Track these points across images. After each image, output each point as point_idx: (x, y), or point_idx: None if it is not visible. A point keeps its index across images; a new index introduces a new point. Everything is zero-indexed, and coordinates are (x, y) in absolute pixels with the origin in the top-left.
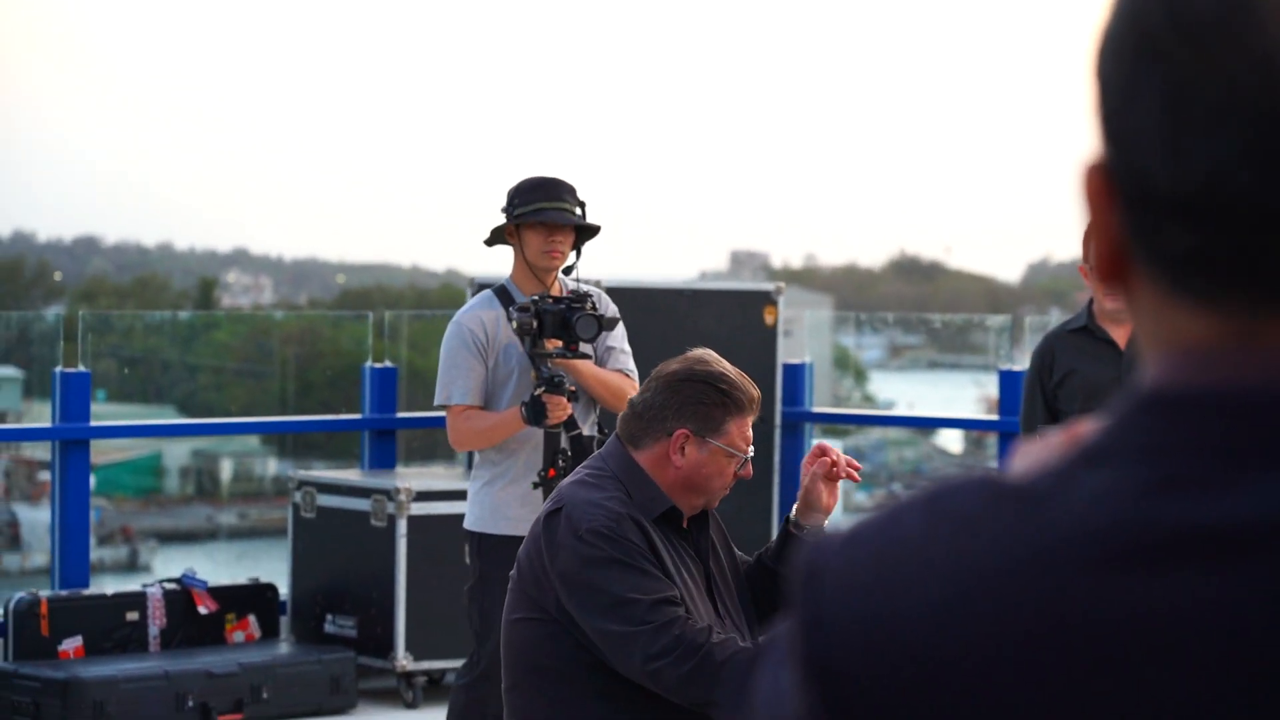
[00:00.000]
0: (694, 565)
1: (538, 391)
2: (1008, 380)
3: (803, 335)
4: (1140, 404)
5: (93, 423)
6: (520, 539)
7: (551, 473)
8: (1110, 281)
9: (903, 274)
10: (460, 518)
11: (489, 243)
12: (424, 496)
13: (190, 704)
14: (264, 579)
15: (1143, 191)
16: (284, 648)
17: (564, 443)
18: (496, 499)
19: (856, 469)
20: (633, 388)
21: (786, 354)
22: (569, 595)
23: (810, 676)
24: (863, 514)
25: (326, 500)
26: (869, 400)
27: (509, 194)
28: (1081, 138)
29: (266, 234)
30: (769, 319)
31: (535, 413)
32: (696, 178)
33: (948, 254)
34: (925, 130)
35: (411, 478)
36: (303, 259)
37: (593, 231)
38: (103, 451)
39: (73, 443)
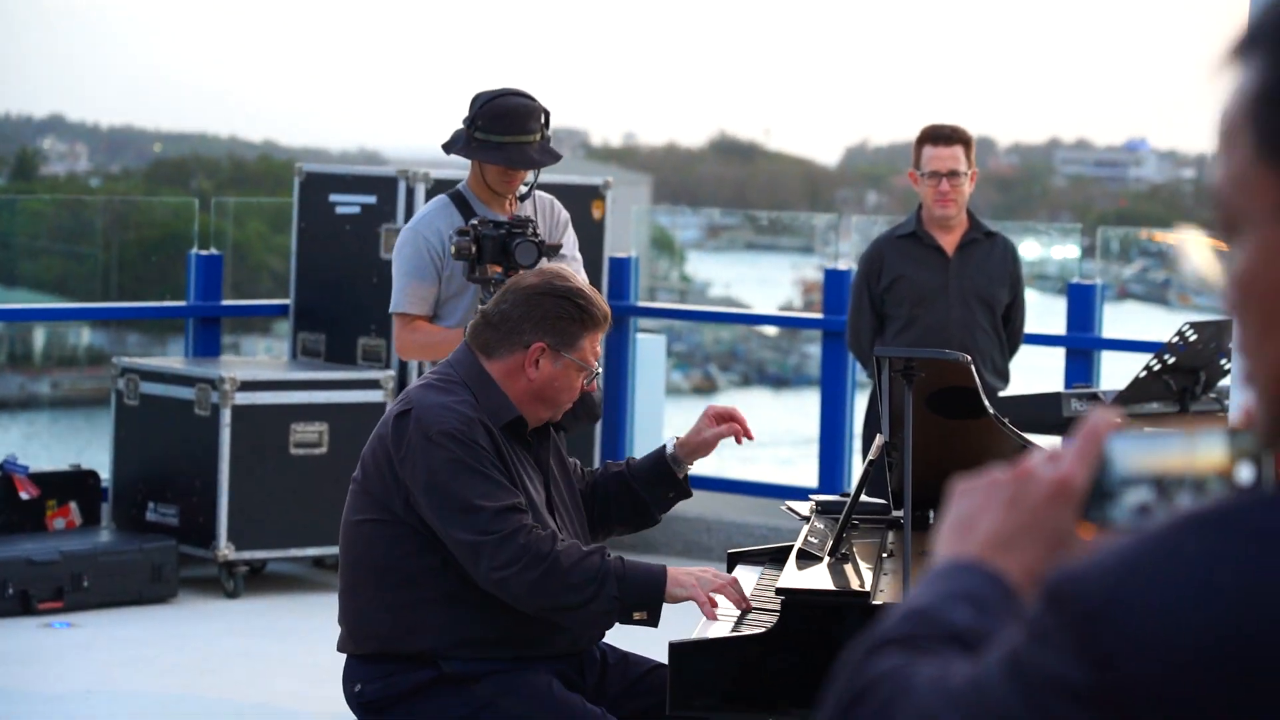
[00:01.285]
0: (535, 475)
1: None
2: (833, 279)
3: (627, 221)
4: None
5: None
6: None
7: None
8: None
9: (722, 155)
10: (285, 408)
11: (447, 150)
12: (248, 386)
13: (10, 591)
14: (86, 465)
15: None
16: (105, 535)
17: None
18: None
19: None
20: None
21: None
22: (422, 497)
23: (1107, 711)
24: (1113, 540)
25: (150, 388)
26: (686, 281)
27: (473, 109)
28: (900, 22)
29: (83, 100)
30: (596, 213)
31: None
32: (512, 44)
33: (766, 136)
34: (746, 11)
35: (236, 366)
36: (119, 126)
37: (554, 156)
38: None
39: None
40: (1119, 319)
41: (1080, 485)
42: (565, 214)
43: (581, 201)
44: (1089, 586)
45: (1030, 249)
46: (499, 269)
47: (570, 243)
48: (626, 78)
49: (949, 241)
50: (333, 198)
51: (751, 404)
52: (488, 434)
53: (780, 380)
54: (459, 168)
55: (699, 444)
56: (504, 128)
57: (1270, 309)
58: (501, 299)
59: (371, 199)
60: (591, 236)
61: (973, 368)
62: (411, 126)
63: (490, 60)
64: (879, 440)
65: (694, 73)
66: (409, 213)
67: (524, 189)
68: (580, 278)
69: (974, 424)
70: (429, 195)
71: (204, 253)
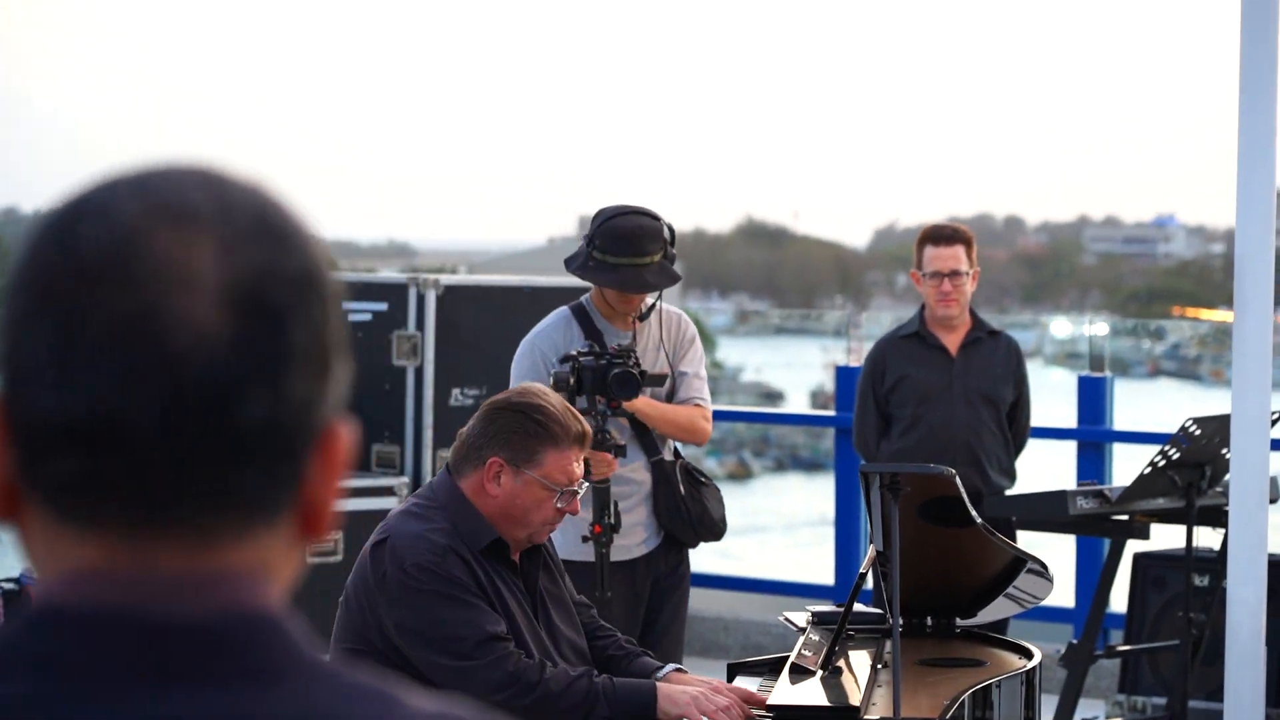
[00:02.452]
0: (523, 598)
1: None
2: (844, 376)
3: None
4: (34, 617)
5: None
6: (584, 565)
7: (598, 529)
8: (4, 516)
9: (750, 239)
10: None
11: (567, 267)
12: None
13: None
14: None
15: (33, 421)
16: None
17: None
18: (571, 526)
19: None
20: (704, 418)
21: None
22: (398, 630)
23: None
24: None
25: None
26: (718, 368)
27: (592, 226)
28: (926, 103)
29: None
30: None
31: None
32: (545, 139)
33: (795, 219)
34: (772, 96)
35: None
36: None
37: (672, 278)
38: None
39: None
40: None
41: None
42: (691, 330)
43: None
44: None
45: (1061, 328)
46: (601, 400)
47: (694, 360)
48: (654, 164)
49: (952, 341)
50: (344, 306)
51: (785, 488)
52: (463, 563)
53: (813, 464)
54: (479, 271)
55: (681, 707)
56: (620, 249)
57: None
58: (473, 418)
59: (383, 306)
60: None
61: (957, 480)
62: (441, 218)
63: (520, 150)
64: (871, 551)
65: (721, 157)
66: (420, 320)
67: (648, 304)
68: (553, 396)
69: (964, 533)
70: (439, 302)
71: None
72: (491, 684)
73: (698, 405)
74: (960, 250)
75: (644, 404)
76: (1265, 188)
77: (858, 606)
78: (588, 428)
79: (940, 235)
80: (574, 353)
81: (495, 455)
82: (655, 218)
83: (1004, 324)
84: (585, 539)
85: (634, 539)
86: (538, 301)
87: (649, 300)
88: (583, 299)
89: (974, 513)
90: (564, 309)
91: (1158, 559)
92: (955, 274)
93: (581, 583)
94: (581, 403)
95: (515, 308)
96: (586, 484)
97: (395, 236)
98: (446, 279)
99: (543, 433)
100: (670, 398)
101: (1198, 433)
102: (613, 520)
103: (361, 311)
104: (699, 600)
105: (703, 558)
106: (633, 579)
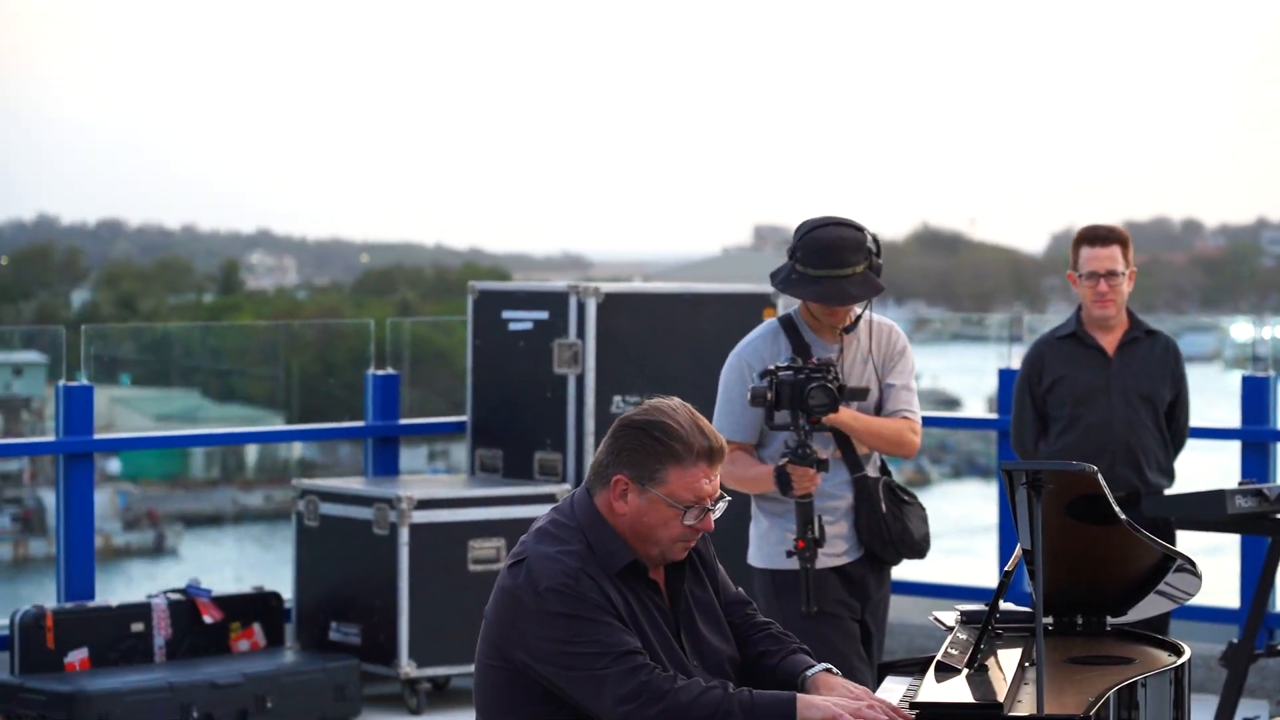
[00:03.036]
0: (659, 615)
1: (782, 462)
2: (1006, 379)
3: None
4: None
5: (100, 431)
6: (790, 574)
7: (800, 544)
8: None
9: (926, 246)
10: (462, 525)
11: (771, 280)
12: (425, 505)
13: (195, 715)
14: (269, 587)
15: None
16: (289, 656)
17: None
18: (780, 539)
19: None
20: (911, 431)
21: None
22: (534, 651)
23: None
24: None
25: (330, 509)
26: None
27: (796, 240)
28: (1102, 105)
29: (290, 213)
30: (767, 319)
31: (781, 483)
32: (720, 149)
33: (971, 225)
34: (947, 98)
35: (414, 485)
36: (325, 239)
37: (875, 289)
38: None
39: (76, 456)
40: None
41: None
42: (902, 341)
43: (753, 309)
44: None
45: (1242, 331)
46: (813, 419)
47: (904, 372)
48: (830, 171)
49: (1109, 341)
50: (505, 314)
51: (965, 495)
52: (595, 584)
53: (990, 471)
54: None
55: (827, 694)
56: (820, 261)
57: None
58: (606, 436)
59: (544, 315)
60: None
61: (1099, 477)
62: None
63: (695, 160)
64: (1018, 550)
65: (897, 163)
66: (580, 328)
67: (855, 315)
68: (681, 411)
69: (1111, 530)
70: (600, 310)
71: (380, 373)
72: (620, 695)
73: (906, 418)
74: (1116, 250)
75: (849, 417)
76: None
77: (1007, 605)
78: (720, 442)
79: (1096, 236)
80: (772, 367)
81: (620, 473)
82: (858, 228)
83: (1182, 327)
84: (789, 554)
85: (835, 549)
86: (699, 308)
87: (856, 311)
88: (791, 311)
89: (1118, 510)
90: (773, 320)
91: None
92: (1111, 274)
93: (790, 593)
94: (782, 417)
95: (676, 315)
96: (726, 500)
97: (570, 249)
98: (607, 287)
99: (663, 450)
100: (879, 410)
101: None
102: (817, 535)
103: (522, 320)
104: None
105: None
106: (849, 584)
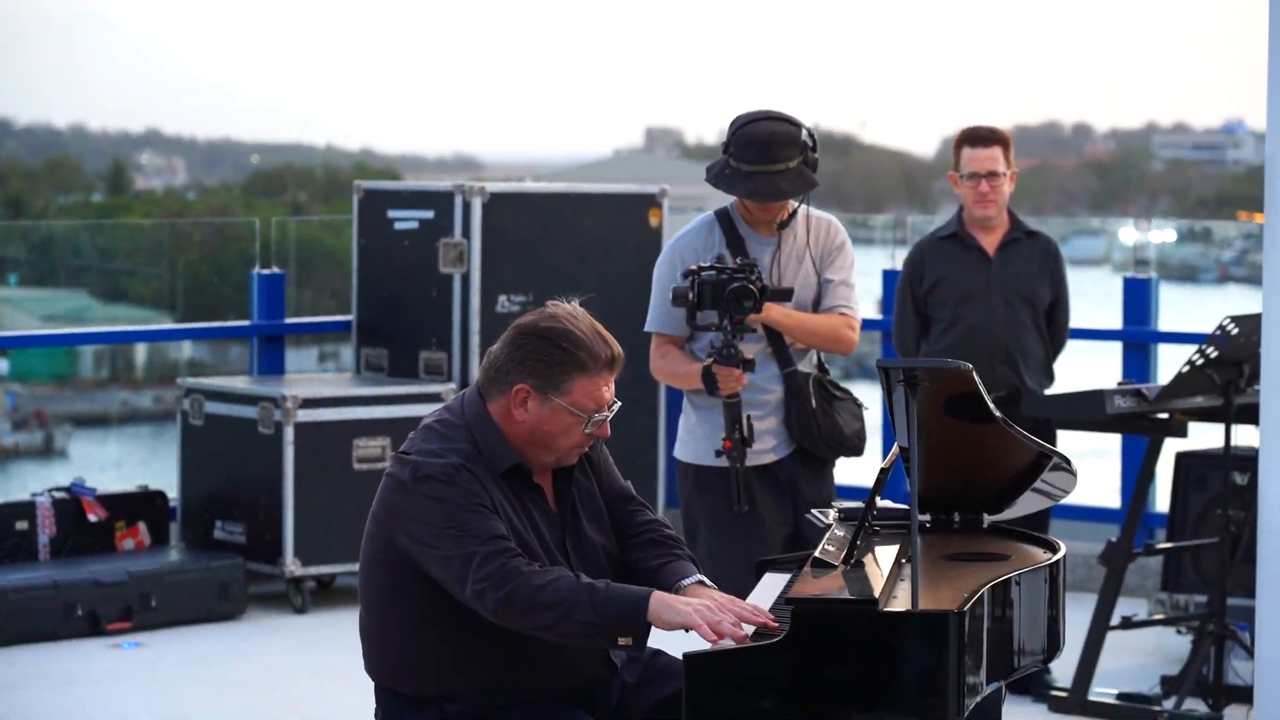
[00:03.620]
0: (541, 519)
1: (708, 362)
2: (890, 281)
3: None
4: None
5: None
6: (719, 471)
7: (728, 444)
8: None
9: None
10: (347, 424)
11: (707, 176)
12: (310, 403)
13: (79, 612)
14: (155, 486)
15: None
16: (173, 555)
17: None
18: (708, 435)
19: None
20: (848, 327)
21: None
22: (411, 537)
23: None
24: None
25: (215, 408)
26: None
27: (729, 133)
28: (995, 9)
29: (180, 114)
30: (653, 221)
31: (707, 383)
32: (612, 51)
33: (862, 128)
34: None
35: (299, 384)
36: (216, 139)
37: (808, 185)
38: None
39: None
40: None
41: None
42: (841, 236)
43: (638, 210)
44: None
45: (1129, 234)
46: (737, 319)
47: (843, 267)
48: (719, 73)
49: (990, 242)
50: (391, 214)
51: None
52: (477, 480)
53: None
54: (519, 178)
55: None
56: (752, 156)
57: None
58: (500, 339)
59: (429, 214)
60: (648, 245)
61: (974, 375)
62: (508, 131)
63: (587, 61)
64: (895, 448)
65: (788, 67)
66: (465, 227)
67: (791, 210)
68: (582, 319)
69: (987, 428)
70: (485, 210)
71: (266, 272)
72: (483, 573)
73: (843, 314)
74: (998, 151)
75: (780, 314)
76: None
77: (885, 503)
78: (619, 351)
79: (977, 137)
80: (695, 267)
81: (522, 382)
82: (793, 122)
83: (1072, 231)
84: (718, 453)
85: (764, 446)
86: (584, 208)
87: (792, 206)
88: (728, 204)
89: (993, 407)
90: (708, 214)
91: (1199, 458)
92: (993, 175)
93: (719, 491)
94: (706, 316)
95: (562, 215)
96: (618, 405)
97: (462, 150)
98: (493, 186)
99: (570, 360)
100: (816, 306)
101: (1235, 331)
102: (745, 434)
103: (408, 220)
104: None
105: None
106: (775, 485)
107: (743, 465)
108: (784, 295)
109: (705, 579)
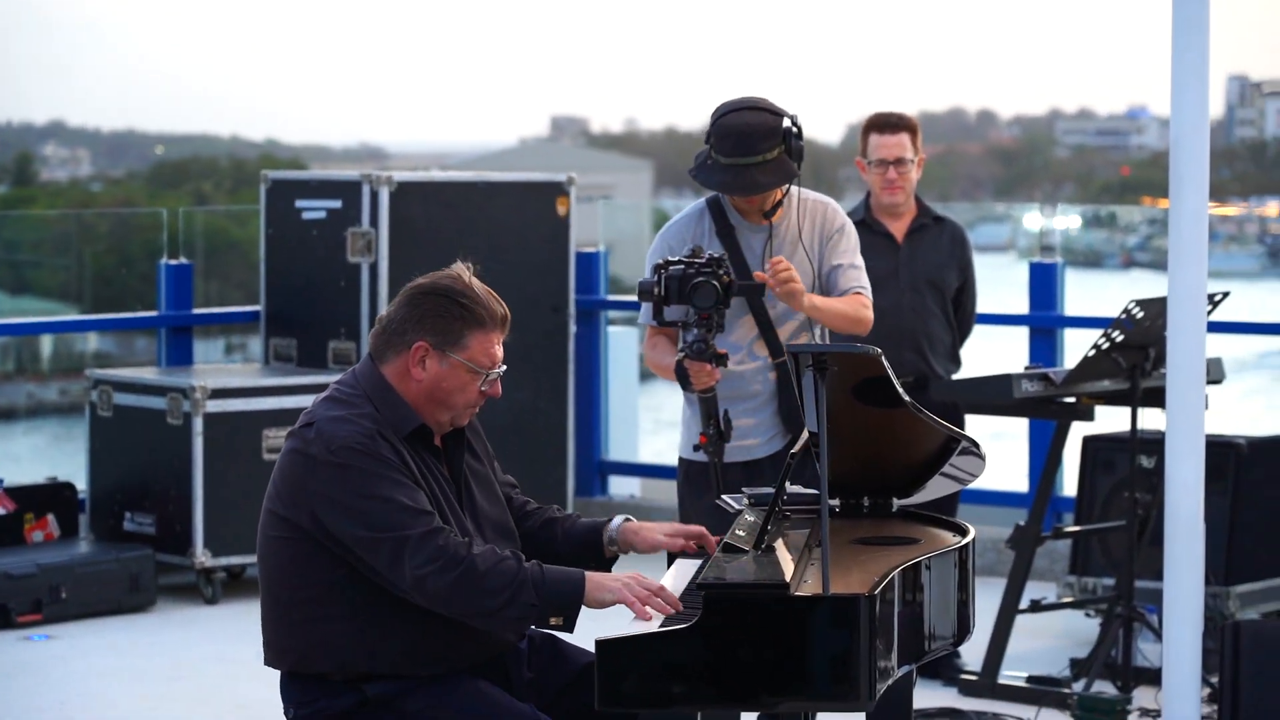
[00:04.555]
0: (446, 483)
1: (679, 356)
2: None
3: (596, 219)
4: None
5: None
6: (702, 465)
7: (703, 439)
8: None
9: None
10: (256, 414)
11: (690, 171)
12: (219, 394)
13: None
14: (62, 477)
15: None
16: (83, 546)
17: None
18: (696, 428)
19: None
20: (864, 306)
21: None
22: (329, 511)
23: None
24: None
25: (123, 399)
26: None
27: (710, 122)
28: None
29: (84, 105)
30: (561, 209)
31: (680, 378)
32: (516, 41)
33: None
34: None
35: (208, 375)
36: (121, 130)
37: (787, 175)
38: None
39: None
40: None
41: None
42: (840, 219)
43: (546, 198)
44: None
45: (1034, 220)
46: (704, 315)
47: (847, 250)
48: (623, 61)
49: (898, 228)
50: (299, 203)
51: None
52: (390, 446)
53: None
54: (426, 167)
55: (645, 544)
56: (729, 148)
57: None
58: (393, 303)
59: (337, 204)
60: (556, 233)
61: (883, 359)
62: (414, 121)
63: (492, 51)
64: (805, 433)
65: (693, 55)
66: (373, 216)
67: (776, 201)
68: (474, 280)
69: (896, 413)
70: (393, 199)
71: (173, 262)
72: (422, 556)
73: (858, 294)
74: (905, 138)
75: (819, 301)
76: (1198, 69)
77: (795, 488)
78: (508, 311)
79: (885, 123)
80: (662, 261)
81: (420, 339)
82: (774, 111)
83: (978, 217)
84: (695, 447)
85: (755, 439)
86: (492, 197)
87: (779, 193)
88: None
89: (902, 392)
90: (700, 201)
91: (1107, 442)
92: (900, 162)
93: (699, 484)
94: (676, 312)
95: (470, 203)
96: (504, 367)
97: (368, 140)
98: (400, 175)
99: (468, 316)
100: (827, 291)
101: (1140, 315)
102: (721, 428)
103: (316, 209)
104: None
105: None
106: (757, 481)
107: (720, 459)
108: (753, 291)
109: (631, 517)
